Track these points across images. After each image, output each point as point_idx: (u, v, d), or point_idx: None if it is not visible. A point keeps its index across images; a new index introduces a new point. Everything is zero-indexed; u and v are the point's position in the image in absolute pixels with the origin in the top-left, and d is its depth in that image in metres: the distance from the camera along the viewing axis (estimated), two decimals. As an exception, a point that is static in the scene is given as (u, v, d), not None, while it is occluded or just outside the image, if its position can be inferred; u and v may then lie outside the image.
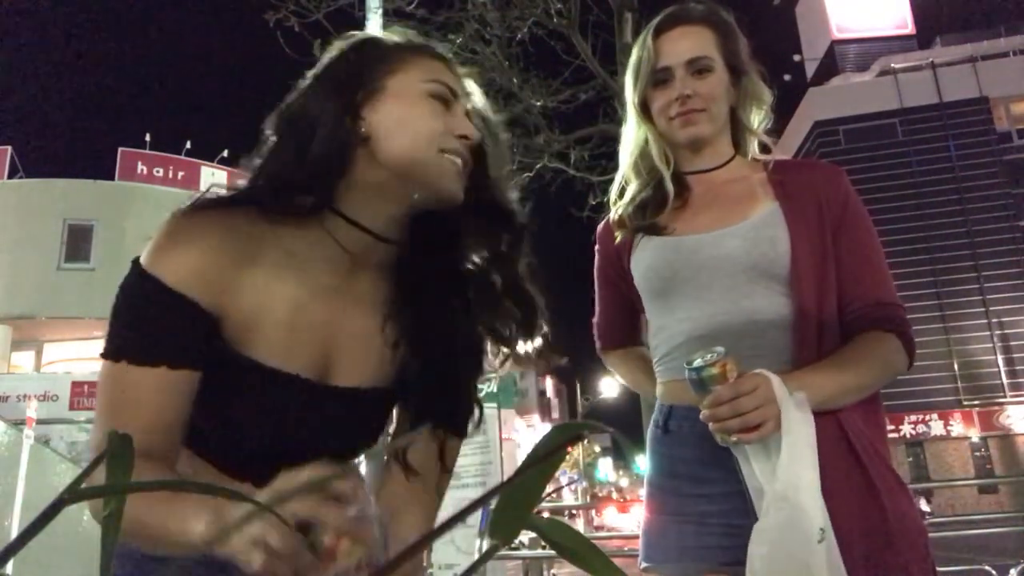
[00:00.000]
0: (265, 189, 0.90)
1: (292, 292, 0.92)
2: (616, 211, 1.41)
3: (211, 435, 0.94)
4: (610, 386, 29.94)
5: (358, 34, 1.01)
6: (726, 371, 1.07)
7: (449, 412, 1.02)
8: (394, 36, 1.00)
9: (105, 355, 0.84)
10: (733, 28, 1.37)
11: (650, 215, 1.34)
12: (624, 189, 1.41)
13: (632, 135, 1.39)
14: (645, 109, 1.36)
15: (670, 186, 1.33)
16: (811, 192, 1.27)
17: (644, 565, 1.29)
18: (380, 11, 6.71)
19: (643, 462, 1.43)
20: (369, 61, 0.95)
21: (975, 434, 25.16)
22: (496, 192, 1.00)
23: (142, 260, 0.86)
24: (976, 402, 25.08)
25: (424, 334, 0.99)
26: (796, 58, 34.11)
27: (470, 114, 0.98)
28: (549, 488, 0.34)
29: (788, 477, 1.04)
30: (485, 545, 0.31)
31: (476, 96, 1.02)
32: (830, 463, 1.11)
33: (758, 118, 1.38)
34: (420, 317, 0.99)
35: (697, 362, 1.09)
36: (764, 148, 1.39)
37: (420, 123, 0.92)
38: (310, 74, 0.97)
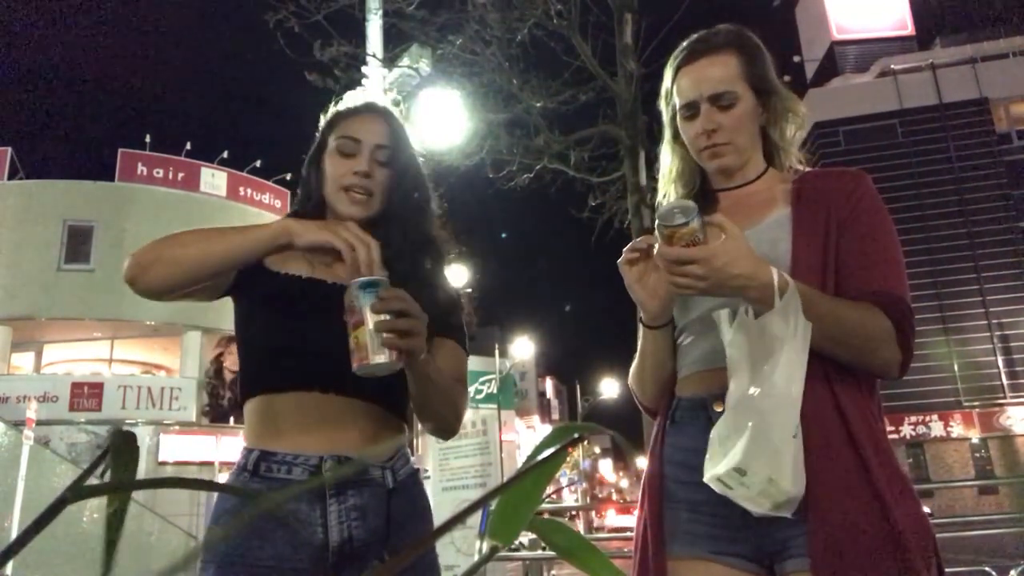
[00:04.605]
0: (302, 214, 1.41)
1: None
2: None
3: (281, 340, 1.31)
4: (610, 387, 29.95)
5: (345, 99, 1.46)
6: (674, 236, 1.15)
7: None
8: (349, 103, 1.43)
9: None
10: (758, 49, 1.38)
11: None
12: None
13: (666, 160, 1.48)
14: (677, 135, 1.42)
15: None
16: (824, 197, 1.28)
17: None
18: (380, 12, 6.71)
19: (644, 462, 1.43)
20: (328, 127, 1.41)
21: (975, 435, 25.17)
22: (405, 191, 1.41)
23: None
24: (976, 403, 25.08)
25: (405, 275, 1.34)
26: (796, 59, 34.15)
27: (374, 150, 1.37)
28: (549, 489, 0.34)
29: (786, 370, 1.10)
30: (485, 547, 0.31)
31: (386, 135, 1.40)
32: (828, 456, 1.12)
33: (792, 129, 1.40)
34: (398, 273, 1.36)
35: (661, 212, 1.17)
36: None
37: (330, 171, 1.38)
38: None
